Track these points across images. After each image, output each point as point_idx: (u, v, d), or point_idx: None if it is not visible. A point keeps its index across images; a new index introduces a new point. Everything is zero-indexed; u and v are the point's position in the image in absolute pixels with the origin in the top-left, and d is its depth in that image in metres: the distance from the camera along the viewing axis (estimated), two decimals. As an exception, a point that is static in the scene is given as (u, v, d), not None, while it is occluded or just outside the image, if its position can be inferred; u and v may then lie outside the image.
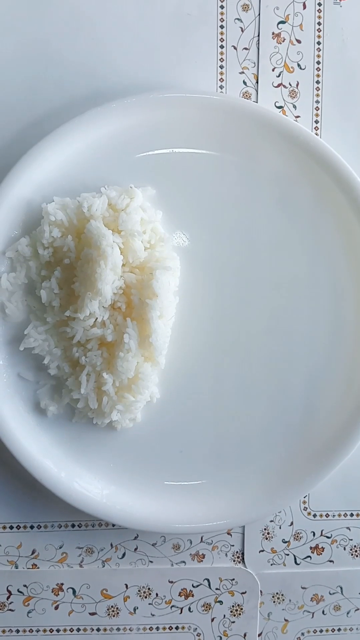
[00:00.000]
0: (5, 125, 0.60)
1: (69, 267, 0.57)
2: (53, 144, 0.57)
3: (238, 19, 0.61)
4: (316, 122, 0.62)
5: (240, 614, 0.63)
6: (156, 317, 0.57)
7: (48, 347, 0.59)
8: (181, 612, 0.63)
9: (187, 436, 0.61)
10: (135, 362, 0.57)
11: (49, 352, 0.59)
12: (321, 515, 0.64)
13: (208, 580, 0.63)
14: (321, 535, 0.64)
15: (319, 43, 0.61)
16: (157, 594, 0.63)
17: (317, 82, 0.62)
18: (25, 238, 0.58)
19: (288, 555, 0.64)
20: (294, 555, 0.64)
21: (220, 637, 0.63)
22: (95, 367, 0.58)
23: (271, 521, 0.63)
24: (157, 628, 0.63)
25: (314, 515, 0.64)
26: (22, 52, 0.60)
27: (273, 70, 0.61)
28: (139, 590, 0.62)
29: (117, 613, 0.62)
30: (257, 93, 0.62)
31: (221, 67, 0.61)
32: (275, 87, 0.62)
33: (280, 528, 0.63)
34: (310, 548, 0.64)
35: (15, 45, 0.60)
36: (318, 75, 0.62)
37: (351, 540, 0.64)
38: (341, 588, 0.64)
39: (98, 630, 0.63)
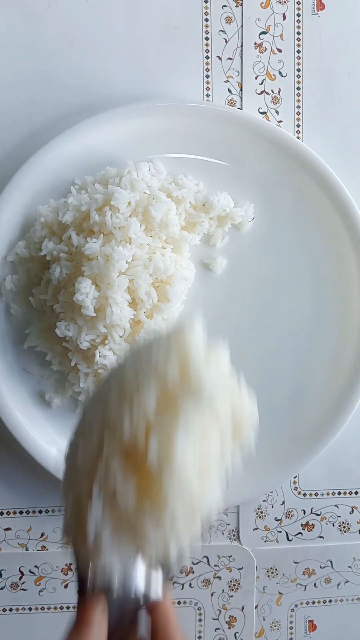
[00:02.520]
0: (6, 137, 0.60)
1: (64, 267, 0.57)
2: (50, 152, 0.58)
3: (222, 30, 0.62)
4: (298, 126, 0.63)
5: (237, 589, 0.65)
6: (160, 319, 0.58)
7: (49, 344, 0.60)
8: (182, 588, 0.64)
9: (184, 424, 0.63)
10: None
11: (50, 349, 0.60)
12: (310, 494, 0.65)
13: (207, 557, 0.64)
14: (311, 512, 0.65)
15: (298, 52, 0.62)
16: (159, 572, 0.66)
17: (298, 88, 0.63)
18: (22, 241, 0.59)
19: (280, 532, 0.65)
20: (286, 532, 0.65)
21: (220, 611, 0.65)
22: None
23: (264, 501, 0.65)
24: (160, 603, 0.66)
25: (304, 495, 0.65)
26: (20, 69, 0.60)
27: (256, 78, 0.62)
28: (142, 568, 0.65)
29: (123, 590, 0.65)
30: (242, 100, 0.62)
31: (207, 76, 0.62)
32: (259, 94, 0.63)
33: (272, 507, 0.65)
34: (301, 525, 0.66)
35: (13, 64, 0.61)
36: (299, 82, 0.63)
37: (339, 517, 0.65)
38: (331, 562, 0.66)
39: (105, 606, 0.65)
